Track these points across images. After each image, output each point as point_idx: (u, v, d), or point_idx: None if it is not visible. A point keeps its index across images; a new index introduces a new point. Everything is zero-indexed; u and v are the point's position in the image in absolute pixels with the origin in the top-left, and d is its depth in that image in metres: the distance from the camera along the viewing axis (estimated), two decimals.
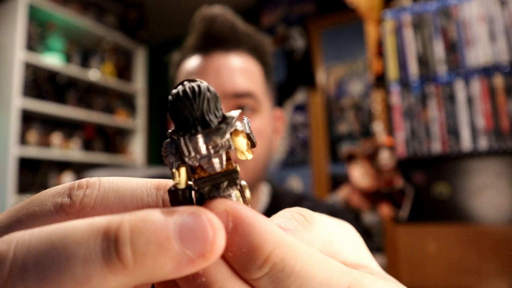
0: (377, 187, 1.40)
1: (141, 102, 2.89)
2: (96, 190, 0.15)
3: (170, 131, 0.16)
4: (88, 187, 0.15)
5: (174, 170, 0.16)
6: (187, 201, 0.16)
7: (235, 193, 0.16)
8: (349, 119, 2.46)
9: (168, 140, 0.16)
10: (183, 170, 0.16)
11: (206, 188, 0.16)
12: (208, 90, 0.16)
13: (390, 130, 1.35)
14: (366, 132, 2.32)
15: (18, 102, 2.01)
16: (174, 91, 0.16)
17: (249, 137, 0.17)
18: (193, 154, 0.16)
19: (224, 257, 0.14)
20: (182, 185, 0.16)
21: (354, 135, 2.42)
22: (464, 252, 1.18)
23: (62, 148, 2.31)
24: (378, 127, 1.41)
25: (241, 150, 0.16)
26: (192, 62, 0.62)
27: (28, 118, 2.18)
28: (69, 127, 2.45)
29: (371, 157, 1.45)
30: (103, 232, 0.12)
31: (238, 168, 0.16)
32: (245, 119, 0.18)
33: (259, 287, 0.14)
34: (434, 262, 1.22)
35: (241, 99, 0.59)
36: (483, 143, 1.18)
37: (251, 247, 0.13)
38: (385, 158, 1.35)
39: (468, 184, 1.22)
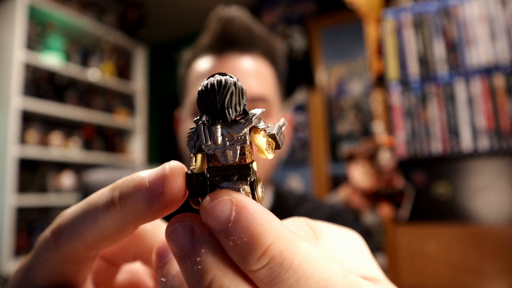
0: (377, 187, 1.40)
1: (141, 102, 2.88)
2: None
3: (196, 118, 0.17)
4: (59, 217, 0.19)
5: (191, 155, 0.18)
6: (199, 185, 0.17)
7: (244, 187, 0.17)
8: (349, 119, 2.45)
9: (194, 126, 0.18)
10: (199, 156, 0.17)
11: (217, 178, 0.17)
12: (234, 85, 0.16)
13: (390, 130, 1.34)
14: (366, 132, 2.32)
15: (17, 102, 2.00)
16: (204, 82, 0.17)
17: (274, 137, 0.17)
18: (209, 142, 0.17)
19: (224, 246, 0.14)
20: (197, 170, 0.17)
21: (354, 135, 2.42)
22: (464, 252, 1.17)
23: (61, 148, 2.30)
24: (378, 127, 1.41)
25: (260, 148, 0.17)
26: (206, 62, 0.61)
27: (28, 118, 2.18)
28: (68, 127, 2.45)
29: (371, 157, 1.44)
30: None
31: (253, 165, 0.17)
32: (282, 120, 0.18)
33: (256, 280, 0.14)
34: (435, 262, 1.21)
35: (255, 104, 0.58)
36: (484, 143, 1.18)
37: (251, 237, 0.13)
38: (385, 158, 1.35)
39: (468, 184, 1.22)
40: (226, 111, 0.16)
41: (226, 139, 0.16)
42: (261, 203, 0.16)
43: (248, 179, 0.17)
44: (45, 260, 0.19)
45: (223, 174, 0.17)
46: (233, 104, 0.16)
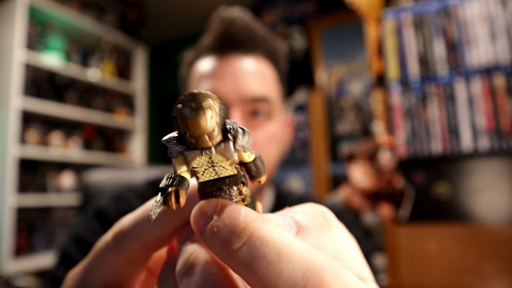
0: (377, 187, 1.40)
1: (141, 102, 2.88)
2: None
3: None
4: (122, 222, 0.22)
5: None
6: None
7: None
8: (349, 119, 2.46)
9: None
10: None
11: None
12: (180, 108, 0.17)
13: (390, 130, 1.34)
14: (366, 132, 2.32)
15: (17, 101, 2.00)
16: None
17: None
18: None
19: (210, 234, 0.16)
20: None
21: (354, 135, 2.42)
22: (464, 252, 1.17)
23: (61, 148, 2.30)
24: (378, 127, 1.41)
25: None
26: (208, 63, 0.61)
27: (28, 118, 2.18)
28: (68, 127, 2.45)
29: (371, 157, 1.44)
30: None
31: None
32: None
33: (238, 262, 0.15)
34: (435, 262, 1.21)
35: (257, 104, 0.58)
36: (484, 143, 1.18)
37: (231, 218, 0.15)
38: (385, 158, 1.35)
39: (468, 184, 1.22)
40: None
41: None
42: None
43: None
44: (104, 263, 0.21)
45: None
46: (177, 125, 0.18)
